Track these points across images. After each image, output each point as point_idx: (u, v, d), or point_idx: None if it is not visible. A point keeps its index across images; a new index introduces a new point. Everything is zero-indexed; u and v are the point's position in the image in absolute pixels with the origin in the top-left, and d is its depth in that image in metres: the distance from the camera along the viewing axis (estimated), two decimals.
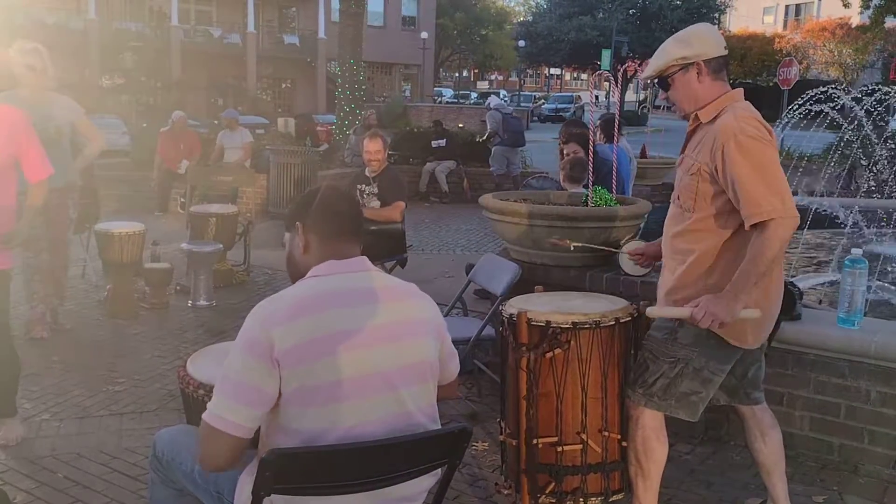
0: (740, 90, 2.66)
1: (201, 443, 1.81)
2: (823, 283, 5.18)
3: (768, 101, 11.41)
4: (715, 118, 2.58)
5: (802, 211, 2.64)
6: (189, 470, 2.08)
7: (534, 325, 2.80)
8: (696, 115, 2.65)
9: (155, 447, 2.22)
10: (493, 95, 17.54)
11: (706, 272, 2.58)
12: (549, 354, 2.77)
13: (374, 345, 1.83)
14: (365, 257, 1.98)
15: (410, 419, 1.88)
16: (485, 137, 13.39)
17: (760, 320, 2.61)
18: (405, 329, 1.90)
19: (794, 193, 2.63)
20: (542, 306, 2.90)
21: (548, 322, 2.78)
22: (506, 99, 51.03)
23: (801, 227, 2.62)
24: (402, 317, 1.91)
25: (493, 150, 12.53)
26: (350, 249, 1.96)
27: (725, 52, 2.65)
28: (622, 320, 2.83)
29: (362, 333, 1.82)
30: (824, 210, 6.41)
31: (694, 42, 2.62)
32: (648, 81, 2.90)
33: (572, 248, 3.67)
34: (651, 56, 2.79)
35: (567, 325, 2.77)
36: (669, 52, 2.65)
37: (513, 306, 2.93)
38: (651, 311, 2.67)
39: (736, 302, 2.44)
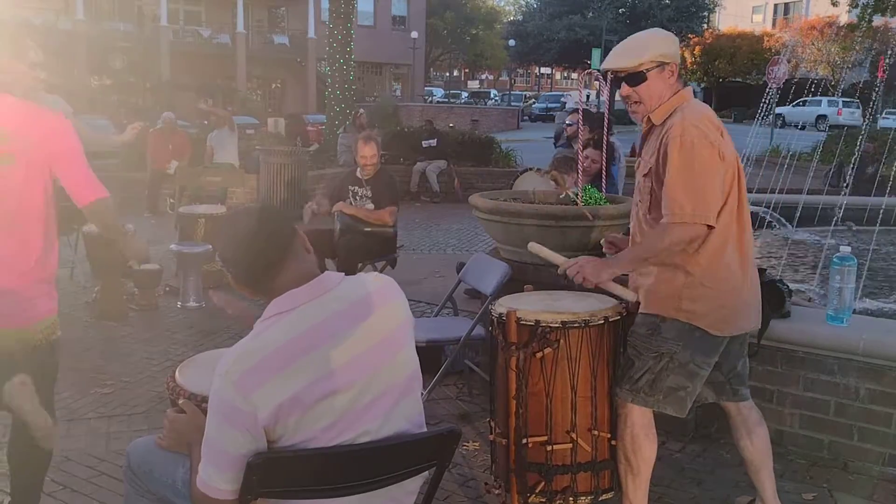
0: (689, 89, 2.72)
1: None
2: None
3: (757, 100, 11.49)
4: (666, 120, 2.63)
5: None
6: (172, 481, 2.05)
7: (523, 325, 2.79)
8: (649, 117, 2.68)
9: (129, 460, 2.17)
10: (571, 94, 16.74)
11: (671, 271, 2.61)
12: (538, 354, 2.77)
13: (359, 378, 1.75)
14: (327, 272, 1.86)
15: (398, 431, 1.83)
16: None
17: (730, 308, 2.62)
18: (388, 347, 1.81)
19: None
20: (532, 305, 2.90)
21: (537, 321, 2.78)
22: (496, 98, 50.97)
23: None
24: (382, 333, 1.81)
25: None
26: (302, 269, 1.81)
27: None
28: (611, 319, 2.83)
29: (344, 370, 1.73)
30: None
31: (671, 44, 2.68)
32: (604, 73, 2.86)
33: None
34: None
35: (556, 325, 2.76)
36: (652, 46, 2.64)
37: (502, 305, 2.92)
38: (532, 247, 2.88)
39: (607, 267, 2.63)
